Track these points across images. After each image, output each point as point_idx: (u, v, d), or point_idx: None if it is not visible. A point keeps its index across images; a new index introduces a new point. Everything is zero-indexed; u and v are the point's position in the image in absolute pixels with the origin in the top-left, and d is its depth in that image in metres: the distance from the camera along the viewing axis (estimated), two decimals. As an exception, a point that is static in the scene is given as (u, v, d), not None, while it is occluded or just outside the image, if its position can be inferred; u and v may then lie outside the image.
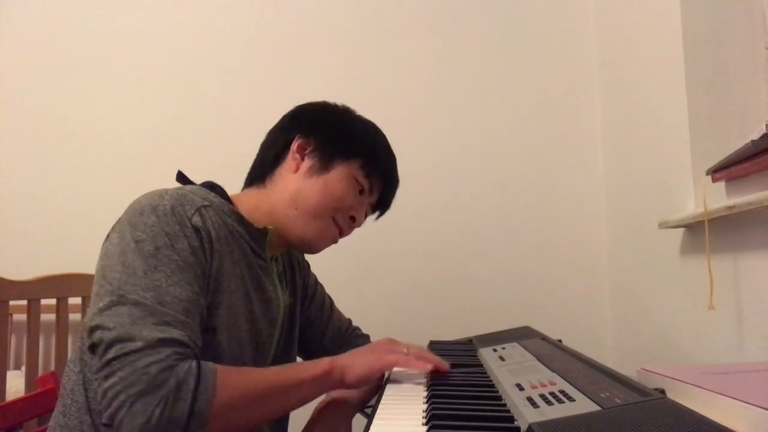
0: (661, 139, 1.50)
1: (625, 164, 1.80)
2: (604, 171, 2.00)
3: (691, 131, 1.33)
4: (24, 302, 1.39)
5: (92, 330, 0.72)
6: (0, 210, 2.05)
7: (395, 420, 0.65)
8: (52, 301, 1.47)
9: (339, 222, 0.97)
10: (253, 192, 0.97)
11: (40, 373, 1.45)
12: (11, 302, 1.35)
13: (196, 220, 0.81)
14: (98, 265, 0.79)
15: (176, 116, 2.07)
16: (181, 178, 0.97)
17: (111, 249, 0.78)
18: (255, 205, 0.95)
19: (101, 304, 0.73)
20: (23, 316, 1.44)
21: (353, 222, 0.99)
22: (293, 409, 0.82)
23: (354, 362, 0.83)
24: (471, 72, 2.08)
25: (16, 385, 1.53)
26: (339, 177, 0.94)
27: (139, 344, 0.68)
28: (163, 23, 2.12)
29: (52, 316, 1.49)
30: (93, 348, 0.71)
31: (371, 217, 1.06)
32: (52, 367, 1.68)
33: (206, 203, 0.85)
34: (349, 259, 1.98)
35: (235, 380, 0.73)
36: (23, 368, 1.56)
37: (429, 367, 0.85)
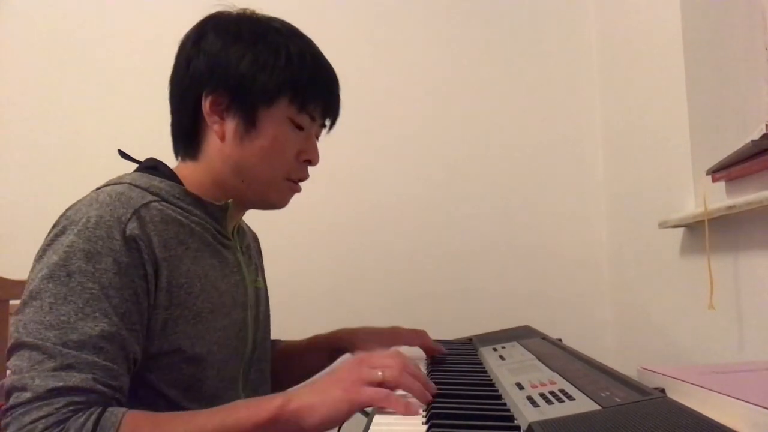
0: (661, 139, 1.50)
1: (625, 164, 1.80)
2: (604, 171, 2.00)
3: (691, 131, 1.33)
4: (24, 302, 1.39)
5: (8, 370, 0.67)
6: (0, 210, 2.05)
7: (395, 419, 0.65)
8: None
9: (294, 176, 0.88)
10: (191, 166, 0.86)
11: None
12: (11, 302, 1.35)
13: (132, 227, 0.71)
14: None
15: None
16: (124, 156, 0.90)
17: (29, 276, 0.71)
18: (199, 181, 0.84)
19: (9, 345, 0.66)
20: (23, 316, 1.44)
21: (310, 163, 0.89)
22: None
23: (314, 402, 0.65)
24: (470, 72, 2.08)
25: (16, 384, 1.53)
26: (272, 131, 0.82)
27: (28, 395, 0.61)
28: (163, 23, 2.12)
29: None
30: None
31: (323, 134, 0.94)
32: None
33: (149, 198, 0.76)
34: (349, 259, 1.98)
35: None
36: (23, 368, 1.55)
37: (411, 411, 0.65)
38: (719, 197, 1.20)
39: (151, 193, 0.78)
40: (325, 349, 1.06)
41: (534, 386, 0.69)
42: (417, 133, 2.04)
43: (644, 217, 1.58)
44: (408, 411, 0.65)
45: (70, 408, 0.62)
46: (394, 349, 0.78)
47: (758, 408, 0.55)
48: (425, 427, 0.60)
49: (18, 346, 0.66)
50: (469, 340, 1.22)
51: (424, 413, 0.65)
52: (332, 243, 1.96)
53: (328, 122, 0.92)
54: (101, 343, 0.66)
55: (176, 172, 0.86)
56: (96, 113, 2.09)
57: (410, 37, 2.09)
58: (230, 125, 0.82)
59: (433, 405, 0.66)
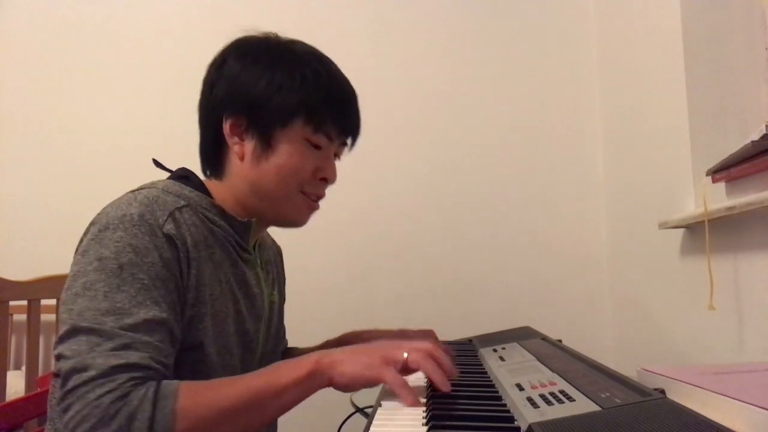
0: (661, 139, 1.50)
1: (625, 164, 1.80)
2: (604, 171, 2.00)
3: (691, 131, 1.33)
4: (24, 302, 1.39)
5: (56, 359, 0.69)
6: (0, 210, 2.05)
7: (395, 420, 0.65)
8: (52, 301, 1.47)
9: (309, 193, 0.89)
10: (216, 185, 0.90)
11: (40, 373, 1.45)
12: (11, 302, 1.35)
13: (169, 227, 0.75)
14: (65, 285, 0.74)
15: (177, 116, 2.06)
16: (158, 165, 0.93)
17: (74, 269, 0.74)
18: (223, 198, 0.88)
19: (62, 332, 0.69)
20: (23, 316, 1.44)
21: (325, 182, 0.91)
22: (276, 417, 0.74)
23: (344, 360, 0.72)
24: (470, 72, 2.08)
25: (16, 385, 1.53)
26: (287, 151, 0.85)
27: (92, 373, 0.65)
28: (163, 23, 2.12)
29: (52, 316, 1.48)
30: (57, 378, 0.69)
31: (345, 151, 0.96)
32: (52, 367, 1.68)
33: (181, 203, 0.80)
34: (350, 259, 1.98)
35: (200, 400, 0.67)
36: (23, 368, 1.56)
37: (408, 401, 0.68)
38: (719, 198, 1.21)
39: (183, 200, 0.81)
40: None
41: (534, 387, 0.69)
42: (417, 132, 2.04)
43: (644, 217, 1.58)
44: (414, 404, 0.69)
45: (131, 383, 0.65)
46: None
47: (758, 408, 0.55)
48: (425, 428, 0.60)
49: (73, 332, 0.68)
50: (469, 341, 1.22)
51: (424, 413, 0.65)
52: (332, 244, 1.96)
53: (348, 141, 0.93)
54: (153, 327, 0.71)
55: (206, 186, 0.89)
56: (96, 114, 2.09)
57: (411, 38, 2.09)
58: (248, 146, 0.86)
59: (433, 406, 0.66)
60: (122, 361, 0.66)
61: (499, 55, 2.08)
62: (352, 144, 0.95)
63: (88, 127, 2.08)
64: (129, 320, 0.69)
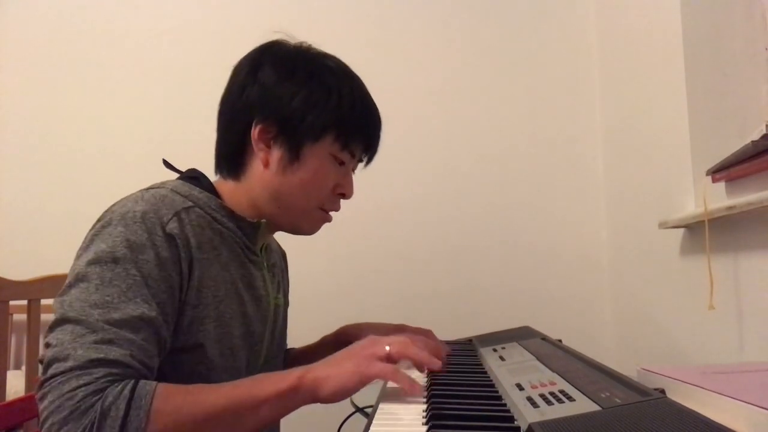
0: (661, 139, 1.50)
1: (625, 164, 1.80)
2: (604, 171, 2.00)
3: (691, 131, 1.33)
4: (24, 302, 1.40)
5: (45, 348, 0.69)
6: (0, 210, 2.05)
7: (395, 420, 0.65)
8: (52, 301, 1.47)
9: (327, 207, 0.92)
10: (231, 185, 0.90)
11: (40, 372, 1.45)
12: (11, 302, 1.35)
13: (172, 226, 0.76)
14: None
15: (177, 116, 2.07)
16: (168, 166, 0.94)
17: (75, 262, 0.75)
18: (237, 200, 0.88)
19: (52, 321, 0.70)
20: (23, 316, 1.44)
21: (342, 197, 0.93)
22: (254, 431, 0.71)
23: (329, 373, 0.71)
24: (471, 72, 2.08)
25: (16, 385, 1.53)
26: (314, 165, 0.86)
27: (69, 365, 0.64)
28: (163, 23, 2.12)
29: (52, 316, 1.48)
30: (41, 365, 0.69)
31: (360, 167, 0.98)
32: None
33: (188, 204, 0.80)
34: (350, 259, 1.98)
35: (175, 404, 0.66)
36: (23, 368, 1.56)
37: (416, 390, 0.71)
38: (719, 198, 1.21)
39: (191, 201, 0.82)
40: (333, 347, 1.07)
41: (534, 387, 0.69)
42: (417, 134, 2.04)
43: (644, 217, 1.58)
44: (412, 389, 0.71)
45: (108, 378, 0.65)
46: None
47: (758, 408, 0.55)
48: (425, 427, 0.60)
49: (61, 321, 0.69)
50: (469, 341, 1.22)
51: (424, 413, 0.65)
52: (332, 244, 1.96)
53: (365, 158, 0.96)
54: (140, 325, 0.70)
55: (215, 187, 0.90)
56: (96, 114, 2.09)
57: (411, 39, 2.09)
58: (275, 154, 0.86)
59: (433, 405, 0.66)
60: (101, 356, 0.66)
61: (498, 56, 2.08)
62: (369, 161, 0.97)
63: (88, 127, 2.08)
64: (115, 315, 0.69)
